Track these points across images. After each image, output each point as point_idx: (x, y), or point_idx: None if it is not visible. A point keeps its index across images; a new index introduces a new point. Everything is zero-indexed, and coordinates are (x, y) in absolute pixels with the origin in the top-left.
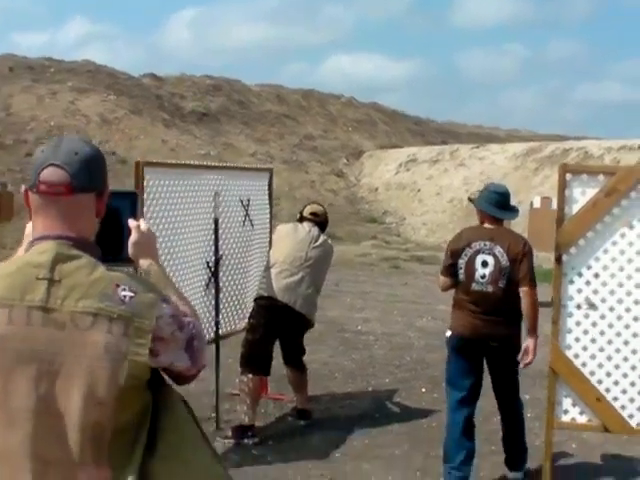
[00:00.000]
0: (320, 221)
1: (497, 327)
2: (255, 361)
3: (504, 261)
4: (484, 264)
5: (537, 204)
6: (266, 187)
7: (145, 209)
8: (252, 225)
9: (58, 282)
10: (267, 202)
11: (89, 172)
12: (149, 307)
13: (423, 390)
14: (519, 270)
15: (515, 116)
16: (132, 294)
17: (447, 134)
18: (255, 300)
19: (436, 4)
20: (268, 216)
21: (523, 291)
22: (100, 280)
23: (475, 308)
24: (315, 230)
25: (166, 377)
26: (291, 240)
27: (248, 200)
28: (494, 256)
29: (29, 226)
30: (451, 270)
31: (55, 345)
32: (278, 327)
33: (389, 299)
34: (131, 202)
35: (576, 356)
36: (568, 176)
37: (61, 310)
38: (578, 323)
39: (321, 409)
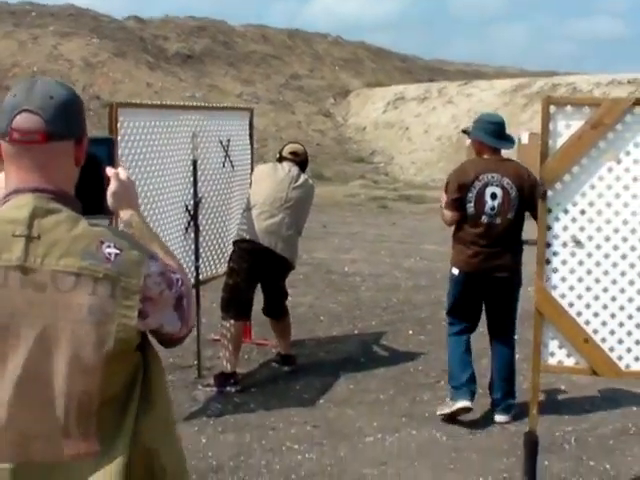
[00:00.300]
0: (300, 160)
1: (504, 258)
2: (236, 306)
3: (513, 192)
4: (493, 196)
5: (525, 140)
6: (247, 127)
7: (120, 152)
8: (232, 166)
9: (37, 239)
10: (248, 143)
11: (66, 117)
12: (136, 265)
13: (410, 332)
14: (529, 200)
15: (504, 52)
16: (117, 251)
17: (435, 71)
18: (234, 243)
19: None
20: (249, 157)
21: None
22: (82, 236)
23: (483, 241)
24: (295, 170)
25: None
26: (271, 181)
27: (228, 141)
28: (502, 188)
29: (1, 178)
30: (457, 204)
31: (35, 308)
32: (259, 270)
33: (377, 239)
34: (108, 149)
35: (562, 296)
36: (552, 109)
37: (41, 270)
38: (564, 262)
39: (306, 354)
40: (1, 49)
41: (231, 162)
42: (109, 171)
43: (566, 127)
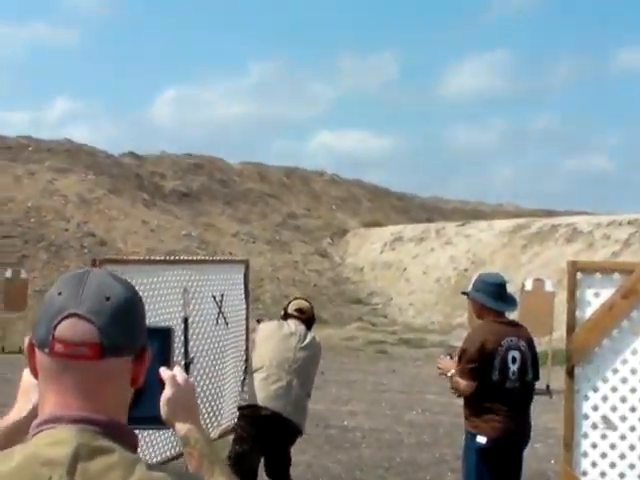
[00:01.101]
0: (306, 318)
1: (527, 425)
2: (242, 476)
3: (528, 355)
4: (513, 360)
5: (529, 286)
6: (242, 280)
7: None
8: (227, 323)
9: None
10: (243, 297)
11: (126, 325)
12: None
13: None
14: (536, 362)
15: (500, 190)
16: None
17: (432, 210)
18: (239, 409)
19: (419, 78)
20: (244, 313)
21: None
22: None
23: (508, 408)
24: (302, 328)
25: None
26: (276, 341)
27: (222, 296)
28: (520, 351)
29: (26, 375)
30: (475, 372)
31: None
32: (267, 437)
33: (376, 389)
34: (164, 341)
35: None
36: (579, 275)
37: None
38: (594, 445)
39: None
40: None
41: (225, 319)
42: (164, 373)
43: (595, 296)
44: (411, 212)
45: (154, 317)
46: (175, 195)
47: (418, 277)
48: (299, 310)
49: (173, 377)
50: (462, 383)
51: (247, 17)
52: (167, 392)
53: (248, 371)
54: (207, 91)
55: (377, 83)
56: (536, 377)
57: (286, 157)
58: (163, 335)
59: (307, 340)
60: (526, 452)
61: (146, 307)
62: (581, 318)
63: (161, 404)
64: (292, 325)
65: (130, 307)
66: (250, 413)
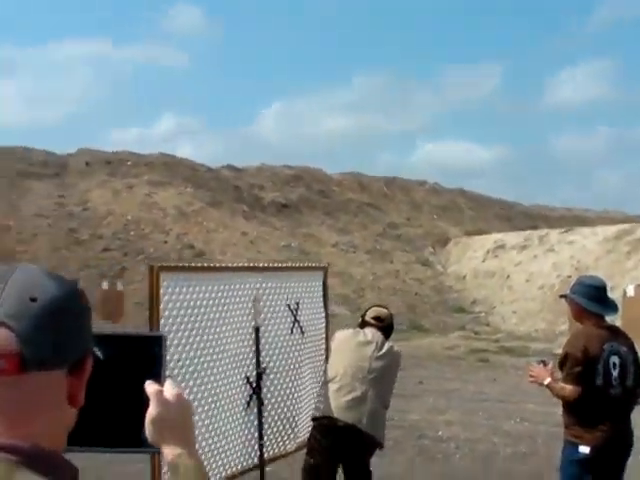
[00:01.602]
0: (384, 326)
1: (629, 434)
2: None
3: (629, 360)
4: (614, 366)
5: (631, 292)
6: (320, 288)
7: (163, 322)
8: (302, 332)
9: None
10: (322, 305)
11: (56, 332)
12: None
13: None
14: (638, 368)
15: (606, 197)
16: None
17: (535, 218)
18: (313, 420)
19: (524, 88)
20: (323, 322)
21: None
22: None
23: (611, 415)
24: (379, 337)
25: None
26: (352, 350)
27: (297, 304)
28: (619, 356)
29: None
30: (580, 377)
31: None
32: (341, 450)
33: (475, 398)
34: (153, 351)
35: None
36: None
37: None
38: None
39: None
40: (96, 198)
41: (301, 328)
42: (149, 387)
43: None
44: (514, 220)
45: (222, 326)
46: (274, 206)
47: (521, 285)
48: (377, 318)
49: (159, 393)
50: (567, 388)
51: (353, 31)
52: (152, 410)
53: (322, 381)
54: (312, 104)
55: (482, 93)
56: (638, 384)
57: (389, 170)
58: (153, 343)
59: (385, 349)
60: (629, 463)
61: (215, 317)
62: None
63: (145, 424)
64: (369, 333)
65: (62, 308)
66: (323, 424)
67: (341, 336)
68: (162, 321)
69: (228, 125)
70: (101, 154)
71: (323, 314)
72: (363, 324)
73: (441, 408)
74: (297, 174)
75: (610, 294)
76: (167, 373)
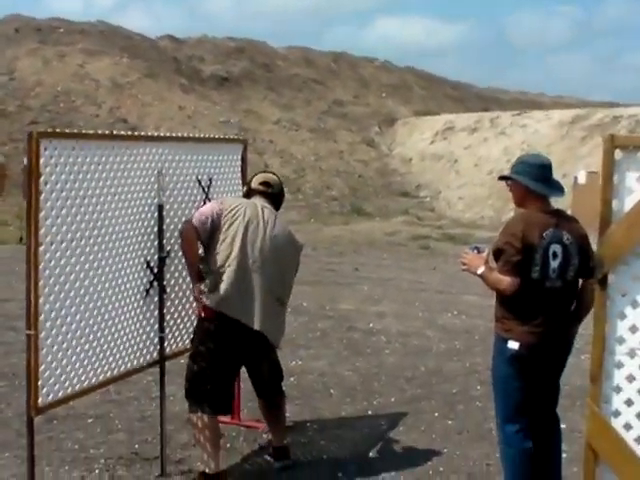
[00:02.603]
0: (274, 193)
1: (568, 331)
2: (206, 398)
3: (573, 250)
4: (554, 256)
5: (582, 179)
6: (238, 163)
7: (44, 196)
8: None
9: None
10: (240, 183)
11: None
12: None
13: (435, 415)
14: (586, 259)
15: (563, 83)
16: None
17: (488, 100)
18: (198, 316)
19: None
20: None
21: (591, 284)
22: None
23: (547, 310)
24: (270, 212)
25: None
26: (239, 231)
27: (210, 180)
28: (562, 245)
29: None
30: (517, 268)
31: None
32: (232, 352)
33: (412, 287)
34: None
35: (627, 427)
36: (618, 154)
37: None
38: (631, 378)
39: (303, 443)
40: (25, 67)
41: None
42: None
43: (638, 181)
44: (467, 102)
45: (120, 203)
46: (214, 80)
47: (469, 169)
48: (265, 183)
49: None
50: (504, 280)
51: None
52: None
53: (208, 270)
54: None
55: None
56: (588, 275)
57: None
58: None
59: (277, 228)
60: (570, 363)
61: (111, 191)
62: (619, 211)
63: None
64: (259, 205)
65: None
66: (208, 325)
67: (229, 210)
68: (43, 195)
69: None
70: (31, 21)
71: (240, 193)
72: (249, 193)
73: (375, 298)
74: (240, 46)
75: (562, 181)
76: (47, 256)
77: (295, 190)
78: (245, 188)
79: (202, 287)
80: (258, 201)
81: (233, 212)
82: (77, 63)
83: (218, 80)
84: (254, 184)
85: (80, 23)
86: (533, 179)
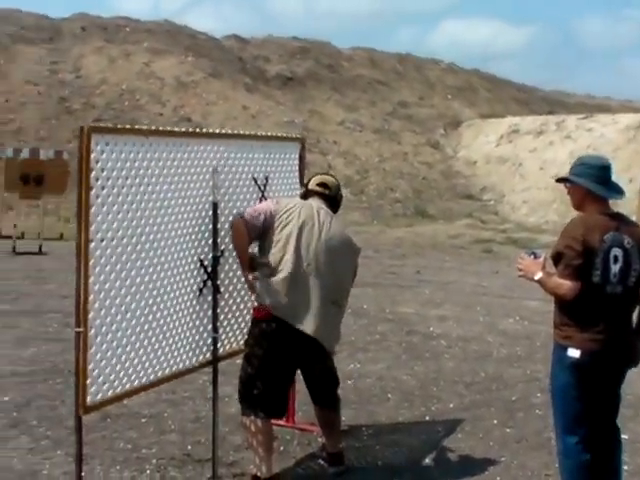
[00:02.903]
0: (331, 195)
1: (631, 340)
2: (262, 400)
3: (634, 254)
4: (615, 260)
5: None
6: (295, 162)
7: (94, 192)
8: None
9: None
10: (297, 182)
11: None
12: None
13: (494, 422)
14: None
15: (632, 87)
16: None
17: (554, 104)
18: (253, 320)
19: None
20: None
21: None
22: None
23: (607, 316)
24: (326, 213)
25: None
26: (297, 228)
27: (266, 178)
28: (623, 249)
29: None
30: (578, 272)
31: None
32: (282, 356)
33: (474, 291)
34: None
35: None
36: None
37: None
38: None
39: (358, 448)
40: (90, 65)
41: None
42: None
43: None
44: (532, 105)
45: (172, 201)
46: (279, 80)
47: (534, 173)
48: (323, 184)
49: None
50: (564, 284)
51: None
52: None
53: (263, 273)
54: None
55: None
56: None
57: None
58: None
59: (334, 227)
60: (630, 375)
61: (164, 188)
62: None
63: None
64: (315, 207)
65: None
66: (261, 328)
67: (284, 211)
68: (93, 191)
69: None
70: (98, 19)
71: (298, 192)
72: (306, 194)
73: (436, 301)
74: (305, 47)
75: (628, 186)
76: (98, 252)
77: (358, 192)
78: (302, 189)
79: (253, 278)
80: (314, 202)
81: (288, 213)
82: (142, 62)
83: (283, 80)
84: (312, 185)
85: (146, 22)
86: (593, 181)
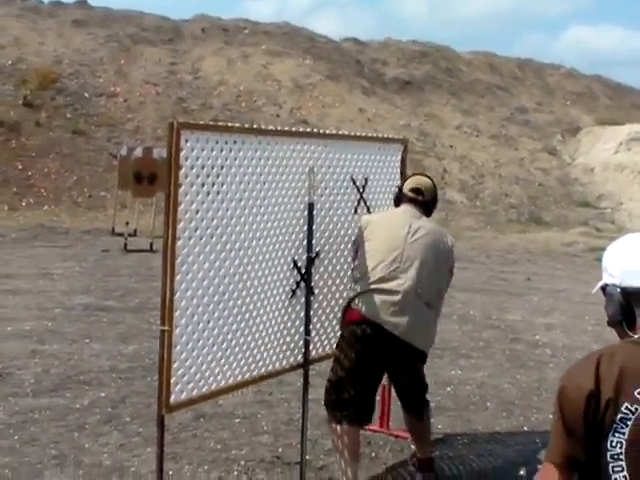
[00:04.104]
0: (425, 201)
1: None
2: (349, 405)
3: None
4: None
5: None
6: (397, 164)
7: (183, 189)
8: (369, 213)
9: None
10: (398, 184)
11: None
12: None
13: None
14: None
15: None
16: None
17: None
18: (341, 323)
19: None
20: None
21: None
22: None
23: None
24: (413, 215)
25: None
26: (381, 237)
27: (365, 180)
28: None
29: None
30: None
31: None
32: (371, 360)
33: (584, 300)
34: None
35: None
36: None
37: None
38: None
39: (450, 457)
40: (209, 66)
41: (368, 208)
42: None
43: None
44: None
45: (265, 201)
46: (396, 83)
47: None
48: (416, 190)
49: None
50: None
51: None
52: None
53: (354, 278)
54: None
55: None
56: None
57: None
58: None
59: (423, 230)
60: None
61: (257, 187)
62: None
63: None
64: (400, 212)
65: None
66: (350, 332)
67: (368, 222)
68: (182, 188)
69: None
70: (218, 21)
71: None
72: (399, 199)
73: (545, 309)
74: (423, 50)
75: None
76: (185, 250)
77: (473, 197)
78: (396, 191)
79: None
80: (405, 210)
81: (373, 223)
82: (261, 63)
83: (400, 84)
84: (405, 189)
85: (265, 24)
86: None
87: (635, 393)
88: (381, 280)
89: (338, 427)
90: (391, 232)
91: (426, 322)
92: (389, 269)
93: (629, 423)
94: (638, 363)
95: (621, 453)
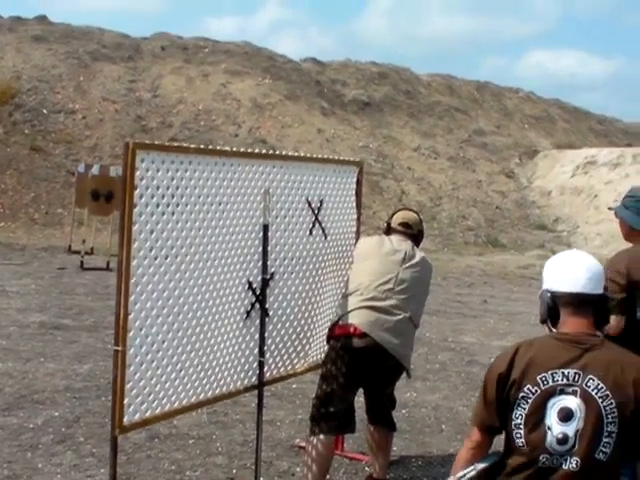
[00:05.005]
0: (413, 234)
1: None
2: (330, 420)
3: None
4: None
5: None
6: (353, 186)
7: (138, 209)
8: (325, 235)
9: None
10: (354, 206)
11: None
12: None
13: None
14: None
15: None
16: None
17: (634, 135)
18: (328, 339)
19: None
20: (354, 225)
21: None
22: None
23: None
24: (407, 245)
25: None
26: (376, 258)
27: (320, 202)
28: None
29: None
30: (623, 306)
31: None
32: (361, 375)
33: (540, 323)
34: None
35: None
36: None
37: None
38: None
39: (406, 478)
40: (168, 84)
41: (323, 230)
42: None
43: None
44: (611, 136)
45: (220, 222)
46: (355, 104)
47: (609, 205)
48: (404, 224)
49: None
50: (612, 319)
51: None
52: None
53: (342, 294)
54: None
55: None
56: None
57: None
58: None
59: (416, 259)
60: None
61: (212, 208)
62: None
63: None
64: (395, 241)
65: None
66: (342, 344)
67: (364, 244)
68: (137, 208)
69: (333, 19)
70: (178, 39)
71: (354, 216)
72: (388, 230)
73: (500, 332)
74: (383, 72)
75: None
76: (140, 270)
77: (430, 219)
78: (385, 225)
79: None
80: (395, 238)
81: (370, 244)
82: (220, 82)
83: (359, 105)
84: (394, 223)
85: (225, 43)
86: (637, 214)
87: (537, 378)
88: (374, 299)
89: (315, 438)
90: (387, 255)
91: (412, 343)
92: (383, 289)
93: (529, 401)
94: (547, 354)
95: (521, 424)
